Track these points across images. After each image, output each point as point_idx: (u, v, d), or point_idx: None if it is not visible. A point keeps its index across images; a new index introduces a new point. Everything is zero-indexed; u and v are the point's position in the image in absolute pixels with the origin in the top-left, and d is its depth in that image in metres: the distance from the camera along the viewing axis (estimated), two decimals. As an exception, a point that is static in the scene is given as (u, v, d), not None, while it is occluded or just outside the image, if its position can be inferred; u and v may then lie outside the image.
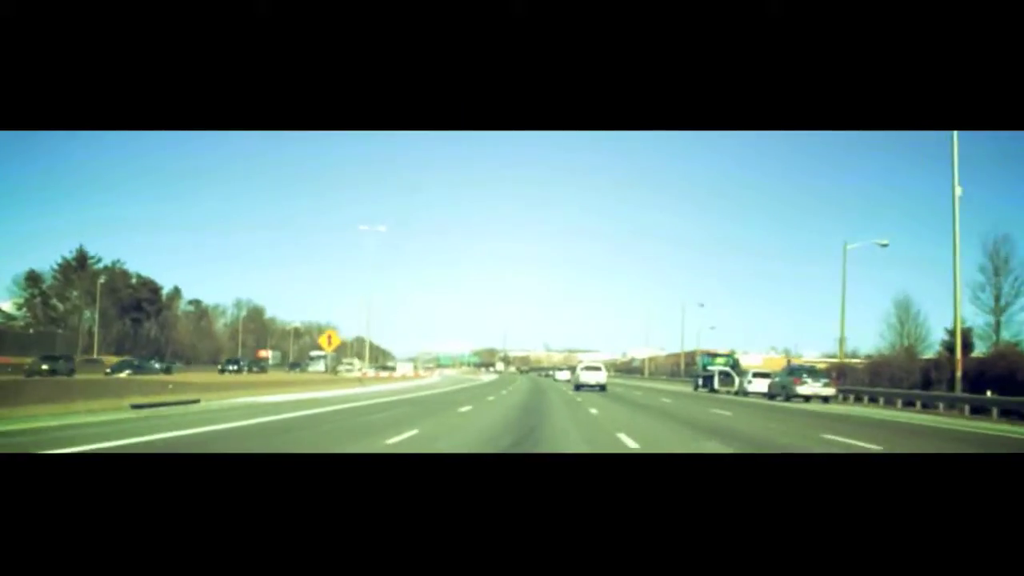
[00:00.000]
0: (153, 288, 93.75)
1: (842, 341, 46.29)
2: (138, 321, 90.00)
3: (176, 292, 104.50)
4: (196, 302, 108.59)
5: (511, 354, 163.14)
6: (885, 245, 43.02)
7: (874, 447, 11.91)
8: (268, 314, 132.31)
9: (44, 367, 40.66)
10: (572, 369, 53.75)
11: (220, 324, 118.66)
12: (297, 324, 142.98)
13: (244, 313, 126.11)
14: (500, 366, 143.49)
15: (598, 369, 41.89)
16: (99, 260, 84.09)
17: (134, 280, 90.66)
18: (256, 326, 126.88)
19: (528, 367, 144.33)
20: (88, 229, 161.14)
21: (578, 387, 39.89)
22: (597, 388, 39.01)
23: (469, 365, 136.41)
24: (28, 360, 43.56)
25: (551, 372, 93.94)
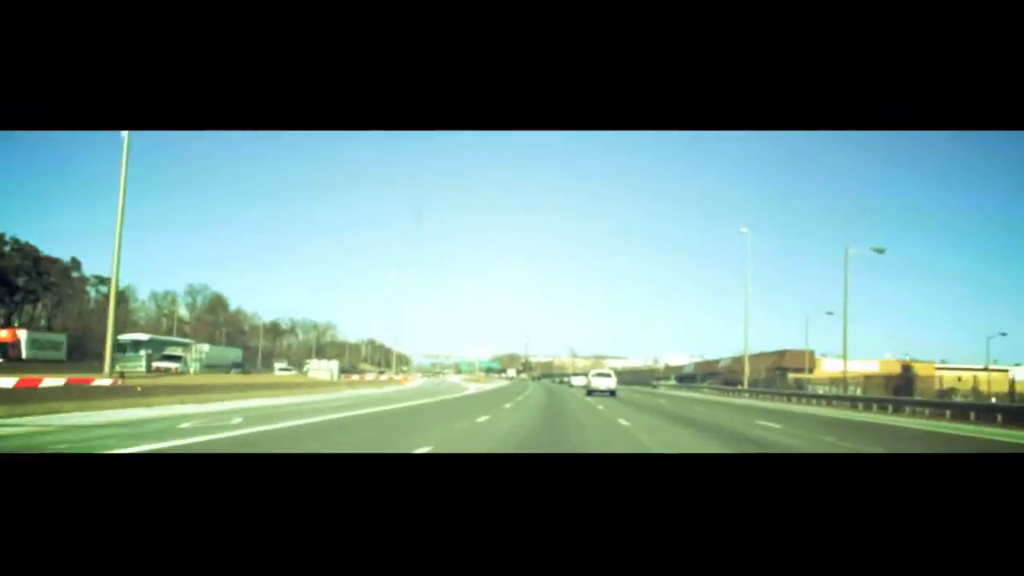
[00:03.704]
0: (35, 257, 70.44)
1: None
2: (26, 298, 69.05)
3: (74, 264, 78.56)
4: (101, 278, 76.47)
5: (534, 360, 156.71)
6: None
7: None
8: (233, 305, 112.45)
9: None
10: (586, 375, 57.63)
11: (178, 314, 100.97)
12: (282, 321, 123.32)
13: (200, 302, 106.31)
14: (512, 372, 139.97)
15: (608, 376, 49.56)
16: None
17: (8, 248, 68.81)
18: (216, 319, 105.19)
19: (540, 373, 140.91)
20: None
21: (590, 392, 45.43)
22: (607, 393, 44.10)
23: (482, 371, 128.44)
24: None
25: (566, 379, 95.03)
